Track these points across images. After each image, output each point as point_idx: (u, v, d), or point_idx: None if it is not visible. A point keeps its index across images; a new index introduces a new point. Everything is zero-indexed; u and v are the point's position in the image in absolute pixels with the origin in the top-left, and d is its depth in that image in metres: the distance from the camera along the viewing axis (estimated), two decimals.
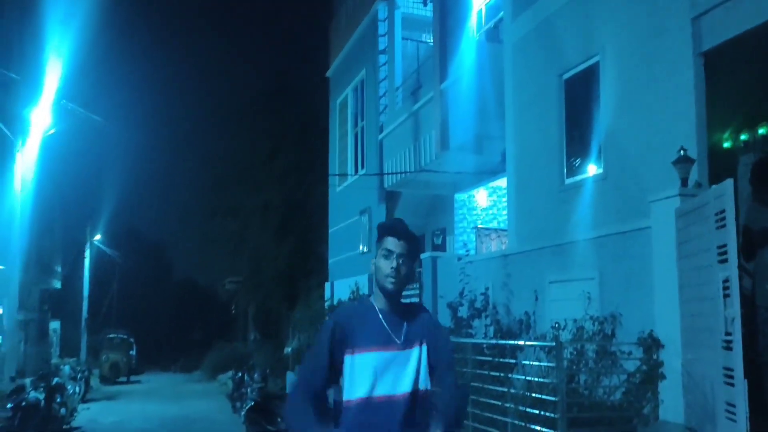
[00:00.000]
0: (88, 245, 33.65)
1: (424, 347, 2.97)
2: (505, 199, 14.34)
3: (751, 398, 5.45)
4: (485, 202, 16.38)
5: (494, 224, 16.19)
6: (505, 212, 14.89)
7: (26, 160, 18.76)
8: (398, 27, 16.31)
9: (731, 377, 5.47)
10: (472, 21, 14.20)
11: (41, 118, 18.33)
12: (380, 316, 2.98)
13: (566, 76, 10.24)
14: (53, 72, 17.65)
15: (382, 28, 16.60)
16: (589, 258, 8.59)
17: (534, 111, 11.05)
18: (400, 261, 2.95)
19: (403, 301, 3.09)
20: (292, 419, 2.95)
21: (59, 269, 28.21)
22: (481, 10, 14.44)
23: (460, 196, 16.22)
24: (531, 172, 11.05)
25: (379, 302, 3.01)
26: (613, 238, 8.24)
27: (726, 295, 5.60)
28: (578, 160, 10.07)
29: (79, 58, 18.14)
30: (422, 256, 13.55)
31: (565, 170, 10.27)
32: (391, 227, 3.06)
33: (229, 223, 29.73)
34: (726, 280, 5.60)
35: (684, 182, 7.10)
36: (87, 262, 33.43)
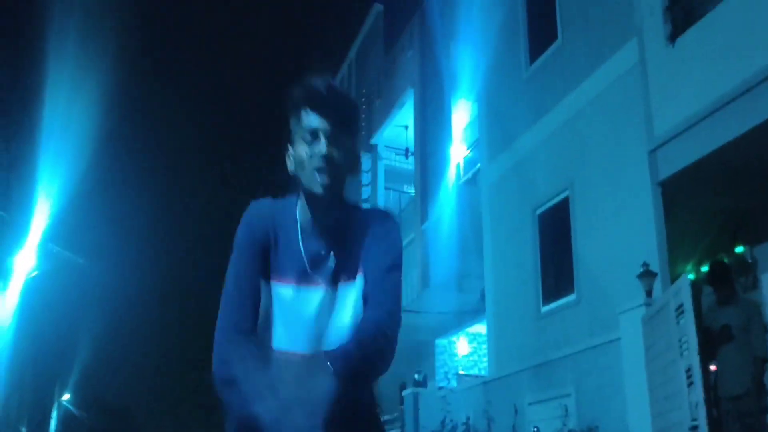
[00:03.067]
0: (56, 405, 32.91)
1: (360, 278, 1.89)
2: (485, 346, 14.66)
3: None
4: (466, 348, 16.62)
5: (475, 371, 16.34)
6: (485, 359, 15.14)
7: (6, 306, 18.77)
8: (381, 177, 17.35)
9: None
10: (451, 172, 15.24)
11: (26, 260, 18.55)
12: (299, 234, 1.90)
13: (539, 211, 11.04)
14: (41, 214, 18.15)
15: (366, 178, 17.62)
16: (565, 375, 8.95)
17: (510, 245, 11.74)
18: (332, 143, 1.83)
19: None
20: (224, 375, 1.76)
21: (24, 430, 27.49)
22: (459, 163, 15.54)
23: (440, 342, 16.49)
24: (509, 303, 11.56)
25: (302, 212, 1.92)
26: (586, 353, 8.66)
27: (689, 383, 5.98)
28: (553, 288, 10.62)
29: (65, 200, 18.69)
30: (404, 392, 13.67)
31: (541, 299, 10.80)
32: (311, 92, 1.85)
33: (205, 377, 29.41)
34: (688, 369, 6.01)
35: (648, 293, 7.64)
36: (54, 424, 32.54)
